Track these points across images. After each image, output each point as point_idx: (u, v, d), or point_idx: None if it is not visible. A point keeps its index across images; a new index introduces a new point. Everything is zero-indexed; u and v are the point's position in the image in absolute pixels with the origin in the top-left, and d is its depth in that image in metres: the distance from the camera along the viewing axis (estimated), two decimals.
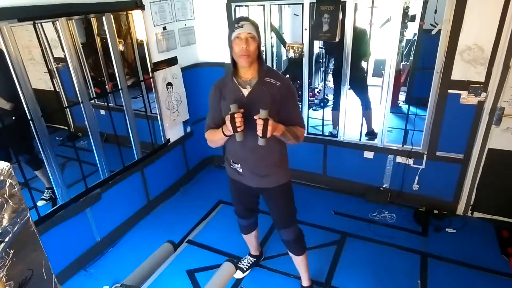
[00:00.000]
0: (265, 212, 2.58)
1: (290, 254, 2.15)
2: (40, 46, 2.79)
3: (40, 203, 2.78)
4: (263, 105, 1.59)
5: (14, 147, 2.63)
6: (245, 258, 2.53)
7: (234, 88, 1.73)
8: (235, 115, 1.56)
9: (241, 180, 1.95)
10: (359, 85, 3.73)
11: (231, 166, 1.93)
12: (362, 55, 3.61)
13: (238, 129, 1.58)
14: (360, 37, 3.50)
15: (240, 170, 1.89)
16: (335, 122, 3.79)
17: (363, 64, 3.78)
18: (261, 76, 1.71)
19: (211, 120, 1.87)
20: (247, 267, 2.48)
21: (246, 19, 1.65)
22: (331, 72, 5.50)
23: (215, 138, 1.80)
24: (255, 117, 1.55)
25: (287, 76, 4.34)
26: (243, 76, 1.74)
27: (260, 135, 1.55)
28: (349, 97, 3.12)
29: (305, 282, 2.28)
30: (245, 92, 1.72)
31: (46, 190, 2.91)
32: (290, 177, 1.97)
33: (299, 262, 2.18)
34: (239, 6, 3.19)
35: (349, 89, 3.13)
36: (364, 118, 3.54)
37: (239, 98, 1.71)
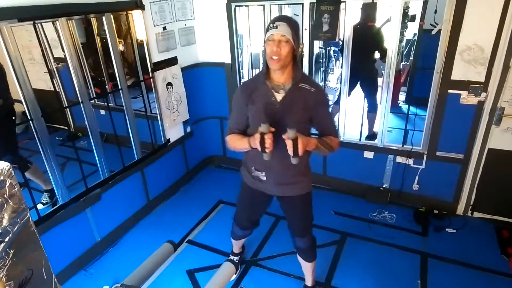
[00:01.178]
0: (265, 212, 2.58)
1: (300, 259, 2.13)
2: (40, 46, 2.80)
3: (38, 206, 2.76)
4: (296, 122, 1.51)
5: None
6: (230, 257, 2.53)
7: (266, 92, 1.63)
8: (266, 136, 1.46)
9: (261, 188, 1.88)
10: (369, 86, 3.72)
11: (252, 174, 1.85)
12: (382, 55, 3.59)
13: (267, 150, 1.49)
14: (379, 37, 3.50)
15: (264, 178, 1.82)
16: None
17: (376, 65, 3.77)
18: (295, 81, 1.62)
19: (234, 123, 1.77)
20: (237, 265, 2.46)
21: (283, 18, 1.54)
22: (332, 73, 5.51)
23: (238, 147, 1.71)
24: (283, 136, 1.47)
25: None
26: (276, 80, 1.63)
27: (292, 155, 1.49)
28: (350, 96, 3.13)
29: (309, 282, 2.28)
30: (278, 97, 1.62)
31: (44, 193, 2.87)
32: (311, 187, 1.91)
33: (308, 267, 2.17)
34: (239, 6, 3.19)
35: (353, 88, 3.12)
36: (366, 120, 3.54)
37: (271, 103, 1.62)
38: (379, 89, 3.94)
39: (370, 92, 3.74)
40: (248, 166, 1.88)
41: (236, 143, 1.72)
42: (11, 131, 2.69)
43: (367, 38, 3.41)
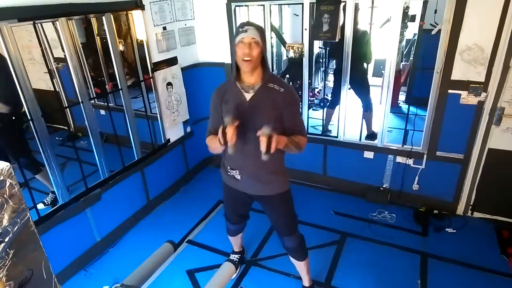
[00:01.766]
0: (264, 212, 2.58)
1: (292, 259, 2.14)
2: (40, 46, 2.80)
3: (39, 206, 2.77)
4: (265, 120, 1.57)
5: (10, 152, 2.63)
6: (231, 257, 2.55)
7: (236, 92, 1.70)
8: (227, 129, 1.51)
9: (238, 187, 1.92)
10: (360, 86, 3.73)
11: (228, 173, 1.90)
12: (363, 58, 3.61)
13: (229, 142, 1.53)
14: (361, 39, 3.50)
15: (238, 177, 1.85)
16: (328, 120, 3.80)
17: (365, 65, 3.77)
18: (264, 81, 1.69)
19: (211, 125, 1.84)
20: (236, 265, 2.47)
21: (250, 24, 1.63)
22: (332, 72, 5.51)
23: (213, 145, 1.77)
24: (258, 133, 1.50)
25: (287, 76, 4.35)
26: (246, 81, 1.71)
27: (264, 151, 1.51)
28: (349, 97, 3.12)
29: (306, 282, 2.28)
30: (247, 96, 1.69)
31: (50, 194, 2.90)
32: (289, 185, 1.94)
33: (302, 267, 2.18)
34: (239, 6, 3.19)
35: (349, 88, 3.13)
36: (364, 120, 3.54)
37: (240, 103, 1.69)
38: (379, 89, 3.94)
39: (362, 92, 3.74)
40: (225, 165, 1.92)
41: (212, 142, 1.79)
42: (21, 132, 2.70)
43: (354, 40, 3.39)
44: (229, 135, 1.52)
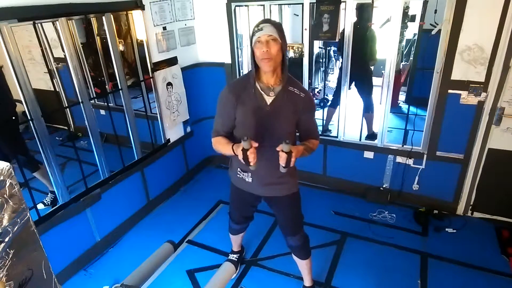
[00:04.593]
0: (265, 212, 2.59)
1: (295, 257, 2.14)
2: (40, 46, 2.79)
3: (39, 206, 2.77)
4: (286, 125, 1.62)
5: (7, 150, 2.63)
6: (230, 257, 2.55)
7: (256, 94, 1.65)
8: (248, 152, 1.48)
9: (247, 188, 1.91)
10: (364, 86, 3.72)
11: (238, 175, 1.88)
12: (370, 58, 3.61)
13: (251, 163, 1.51)
14: (372, 39, 3.51)
15: (249, 179, 1.84)
16: (329, 119, 3.80)
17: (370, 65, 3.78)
18: (285, 84, 1.64)
19: (219, 126, 1.77)
20: (236, 264, 2.47)
21: (267, 21, 1.57)
22: (332, 73, 5.50)
23: (223, 152, 1.72)
24: (277, 148, 1.49)
25: None
26: (266, 82, 1.65)
27: (284, 166, 1.53)
28: (349, 96, 3.12)
29: (307, 282, 2.28)
30: (268, 100, 1.65)
31: (49, 194, 2.90)
32: (298, 186, 1.94)
33: (304, 266, 2.18)
34: (239, 6, 3.19)
35: (349, 88, 3.13)
36: (365, 120, 3.54)
37: (260, 106, 1.64)
38: (379, 89, 3.93)
39: (365, 92, 3.74)
40: (234, 167, 1.90)
41: (223, 147, 1.72)
42: (17, 131, 2.71)
43: (359, 39, 3.40)
44: (252, 158, 1.49)
